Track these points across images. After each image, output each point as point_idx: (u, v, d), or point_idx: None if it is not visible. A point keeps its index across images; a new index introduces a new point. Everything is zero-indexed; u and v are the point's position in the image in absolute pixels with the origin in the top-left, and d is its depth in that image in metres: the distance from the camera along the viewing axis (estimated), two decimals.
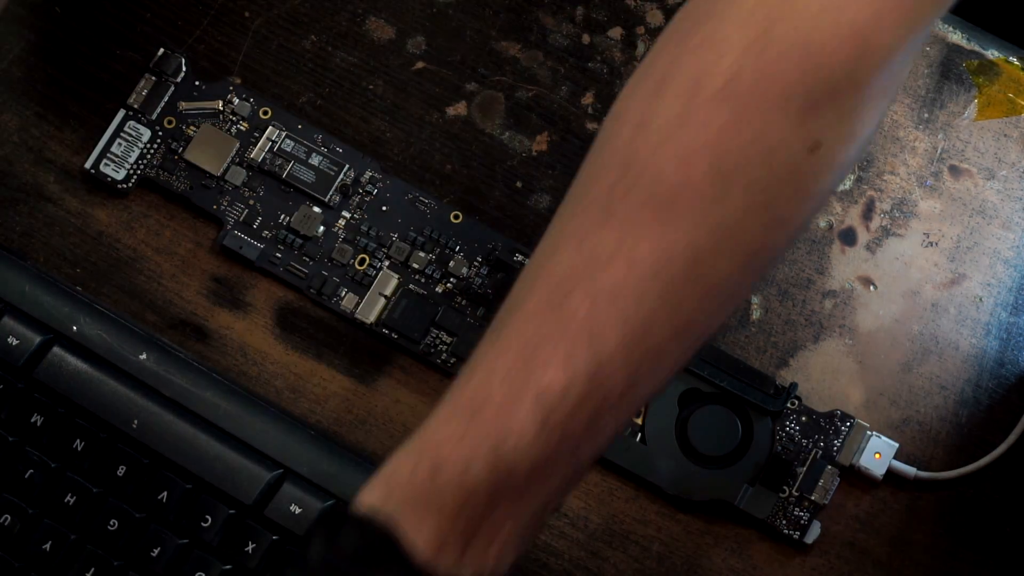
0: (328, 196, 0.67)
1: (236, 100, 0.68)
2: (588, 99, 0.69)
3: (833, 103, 0.46)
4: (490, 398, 0.46)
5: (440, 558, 0.46)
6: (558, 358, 0.46)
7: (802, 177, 0.46)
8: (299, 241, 0.67)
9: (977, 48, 0.69)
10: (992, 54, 0.69)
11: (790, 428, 0.64)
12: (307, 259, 0.67)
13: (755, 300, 0.66)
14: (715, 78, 0.46)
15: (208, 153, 0.68)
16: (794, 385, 0.64)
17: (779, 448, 0.64)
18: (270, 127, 0.68)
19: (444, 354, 0.66)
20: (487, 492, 0.46)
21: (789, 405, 0.64)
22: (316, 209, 0.67)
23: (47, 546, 0.61)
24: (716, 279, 0.46)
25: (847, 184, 0.68)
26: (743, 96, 0.46)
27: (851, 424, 0.64)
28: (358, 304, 0.66)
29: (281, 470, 0.62)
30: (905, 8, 0.46)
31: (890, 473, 0.64)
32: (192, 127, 0.68)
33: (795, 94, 0.45)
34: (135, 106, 0.68)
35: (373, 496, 0.47)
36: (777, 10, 0.46)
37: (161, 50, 0.69)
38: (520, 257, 0.66)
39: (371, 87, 0.69)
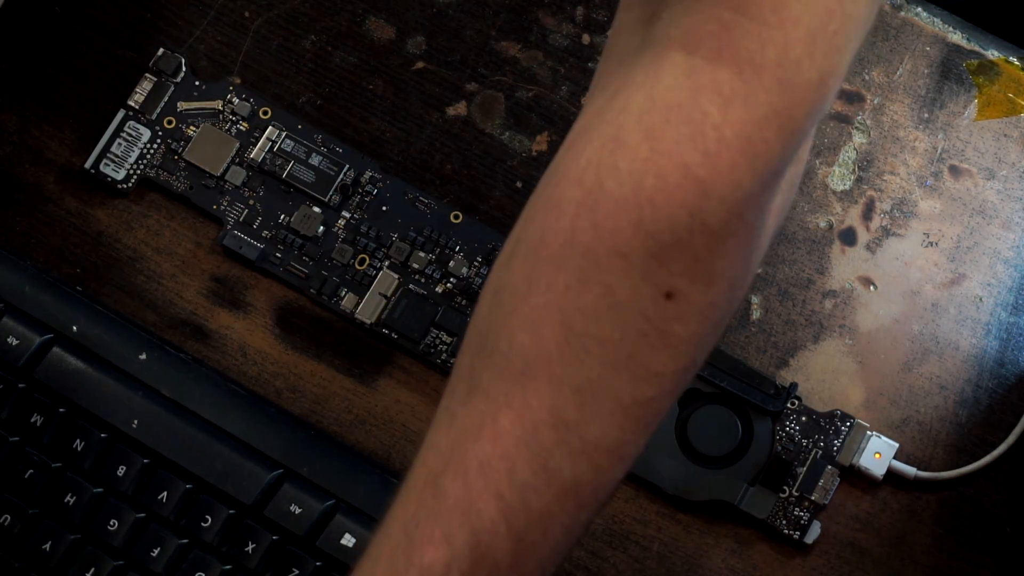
0: (328, 196, 0.67)
1: (236, 100, 0.68)
2: None
3: (680, 250, 0.45)
4: None
5: None
6: (436, 536, 0.46)
7: (662, 326, 0.45)
8: (299, 241, 0.67)
9: (977, 48, 0.69)
10: (992, 54, 0.69)
11: (790, 428, 0.64)
12: (307, 259, 0.67)
13: (755, 300, 0.66)
14: (554, 239, 0.45)
15: (208, 153, 0.68)
16: (794, 385, 0.64)
17: (779, 448, 0.64)
18: (270, 127, 0.68)
19: (444, 354, 0.66)
20: None
21: (789, 405, 0.64)
22: (316, 209, 0.67)
23: (47, 546, 0.61)
24: (591, 439, 0.46)
25: (847, 184, 0.68)
26: (582, 255, 0.45)
27: (851, 424, 0.64)
28: (358, 304, 0.66)
29: (281, 470, 0.62)
30: (740, 146, 0.44)
31: (890, 473, 0.64)
32: (192, 127, 0.68)
33: (633, 247, 0.45)
34: (135, 106, 0.68)
35: None
36: (607, 163, 0.45)
37: (161, 50, 0.69)
38: None
39: (371, 87, 0.69)
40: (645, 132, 0.45)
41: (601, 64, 0.51)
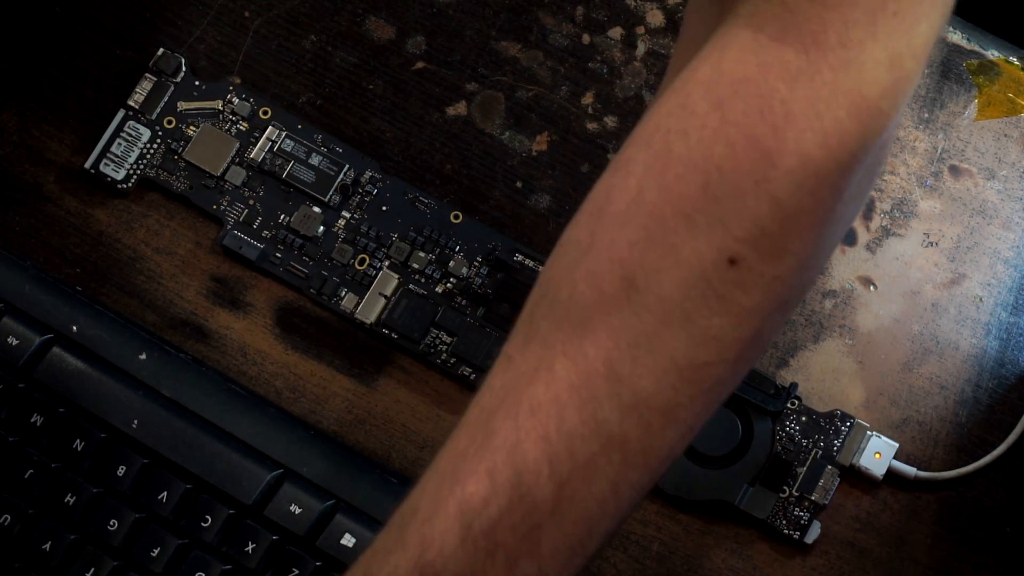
0: (328, 196, 0.67)
1: (236, 100, 0.68)
2: (588, 99, 0.69)
3: (745, 217, 0.45)
4: (417, 511, 0.47)
5: None
6: (480, 471, 0.46)
7: (723, 291, 0.46)
8: (299, 241, 0.67)
9: (977, 48, 0.69)
10: (992, 54, 0.69)
11: (790, 428, 0.64)
12: (307, 259, 0.67)
13: None
14: (620, 198, 0.46)
15: (208, 153, 0.68)
16: (794, 385, 0.64)
17: (779, 448, 0.64)
18: (270, 127, 0.68)
19: (444, 354, 0.66)
20: None
21: (789, 405, 0.64)
22: (316, 209, 0.67)
23: (47, 546, 0.61)
24: (641, 394, 0.46)
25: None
26: (647, 214, 0.46)
27: (851, 424, 0.64)
28: (358, 304, 0.66)
29: (281, 470, 0.62)
30: (809, 121, 0.45)
31: (890, 473, 0.64)
32: (192, 127, 0.68)
33: (699, 209, 0.45)
34: (135, 106, 0.68)
35: None
36: (676, 129, 0.46)
37: (161, 50, 0.69)
38: (520, 257, 0.66)
39: (371, 87, 0.69)
40: (714, 102, 0.46)
41: (675, 47, 0.52)
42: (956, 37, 0.69)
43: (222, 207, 0.67)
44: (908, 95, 0.47)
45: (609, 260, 0.46)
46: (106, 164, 0.68)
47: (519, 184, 0.68)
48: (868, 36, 0.45)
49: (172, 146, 0.68)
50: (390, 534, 0.48)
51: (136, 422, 0.62)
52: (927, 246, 0.67)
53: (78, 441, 0.62)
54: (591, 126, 0.69)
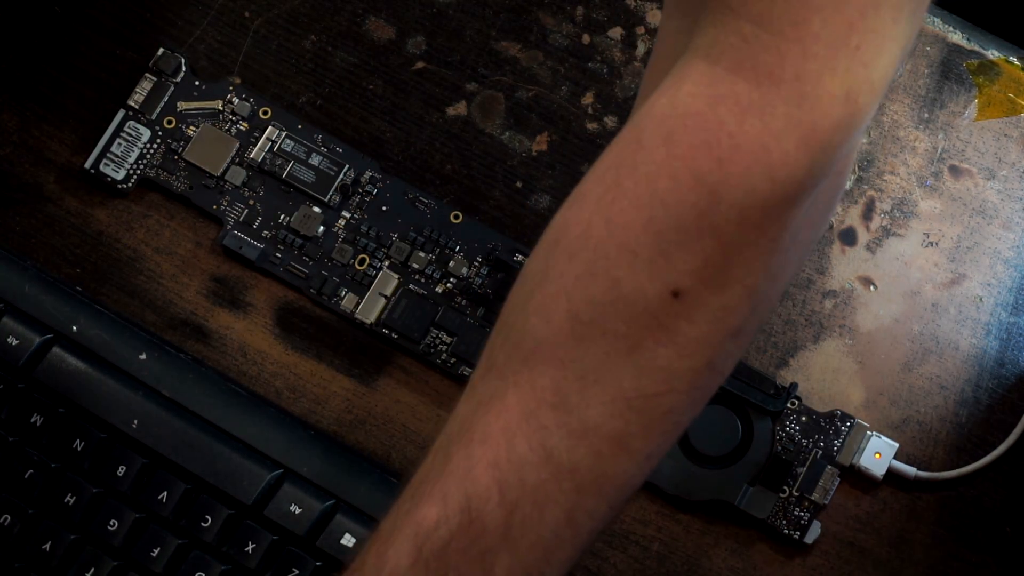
0: (328, 196, 0.67)
1: (236, 100, 0.68)
2: (588, 99, 0.69)
3: (687, 250, 0.46)
4: (380, 532, 0.49)
5: None
6: (435, 495, 0.48)
7: (667, 323, 0.47)
8: (299, 241, 0.67)
9: (977, 48, 0.69)
10: (992, 54, 0.69)
11: (790, 428, 0.64)
12: (307, 259, 0.67)
13: None
14: (571, 231, 0.47)
15: (208, 153, 0.68)
16: (794, 385, 0.64)
17: (779, 448, 0.64)
18: (270, 127, 0.68)
19: (444, 354, 0.66)
20: None
21: (789, 405, 0.64)
22: (316, 209, 0.67)
23: (47, 546, 0.61)
24: (589, 424, 0.47)
25: (848, 184, 0.68)
26: (593, 248, 0.47)
27: (851, 424, 0.64)
28: (358, 304, 0.66)
29: (281, 470, 0.62)
30: (755, 155, 0.45)
31: (890, 473, 0.64)
32: (192, 127, 0.68)
33: (642, 244, 0.46)
34: (135, 106, 0.68)
35: None
36: (627, 163, 0.47)
37: (161, 50, 0.69)
38: (520, 257, 0.66)
39: (371, 87, 0.69)
40: (664, 136, 0.46)
41: (644, 74, 0.53)
42: (956, 37, 0.69)
43: (222, 207, 0.67)
44: (862, 129, 0.47)
45: (557, 293, 0.47)
46: (106, 164, 0.68)
47: (519, 184, 0.68)
48: (827, 70, 0.45)
49: (172, 146, 0.68)
50: (359, 555, 0.50)
51: (136, 422, 0.62)
52: (927, 246, 0.67)
53: (78, 441, 0.62)
54: (591, 126, 0.69)
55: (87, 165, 0.68)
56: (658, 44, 0.52)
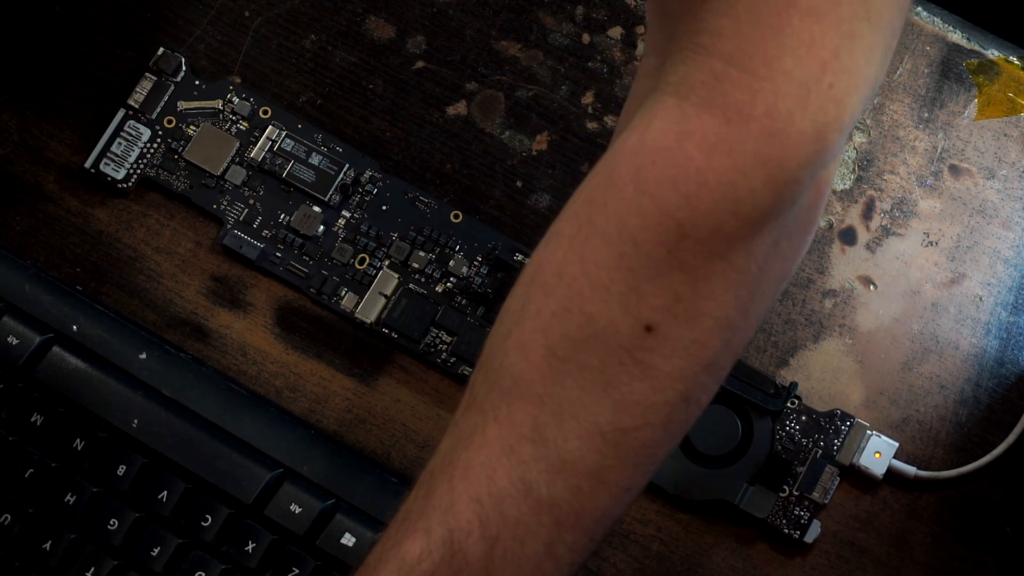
0: (328, 196, 0.67)
1: (236, 99, 0.68)
2: (588, 99, 0.69)
3: (658, 286, 0.47)
4: (366, 566, 0.50)
5: None
6: (419, 529, 0.49)
7: (641, 357, 0.47)
8: (299, 241, 0.67)
9: (977, 48, 0.69)
10: (992, 54, 0.69)
11: (790, 428, 0.64)
12: (307, 259, 0.67)
13: None
14: (547, 269, 0.48)
15: (208, 153, 0.68)
16: (794, 385, 0.64)
17: (779, 448, 0.64)
18: (270, 126, 0.68)
19: (444, 354, 0.66)
20: None
21: (789, 405, 0.64)
22: (316, 209, 0.67)
23: (47, 546, 0.61)
24: (567, 458, 0.48)
25: (847, 184, 0.68)
26: (567, 286, 0.47)
27: (851, 424, 0.64)
28: (358, 304, 0.66)
29: (281, 470, 0.62)
30: (723, 191, 0.46)
31: (890, 473, 0.64)
32: (192, 127, 0.68)
33: (614, 280, 0.47)
34: (135, 106, 0.68)
35: None
36: (599, 201, 0.47)
37: (161, 50, 0.69)
38: (520, 257, 0.66)
39: (371, 87, 0.69)
40: (633, 173, 0.47)
41: (622, 111, 0.54)
42: (956, 37, 0.69)
43: (222, 207, 0.67)
44: (828, 164, 0.47)
45: (534, 330, 0.48)
46: (106, 164, 0.68)
47: (519, 184, 0.68)
48: (798, 108, 0.45)
49: (172, 146, 0.68)
50: None
51: (136, 422, 0.62)
52: (927, 246, 0.67)
53: (78, 441, 0.62)
54: (591, 126, 0.69)
55: (87, 165, 0.68)
56: (636, 82, 0.53)
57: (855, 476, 0.64)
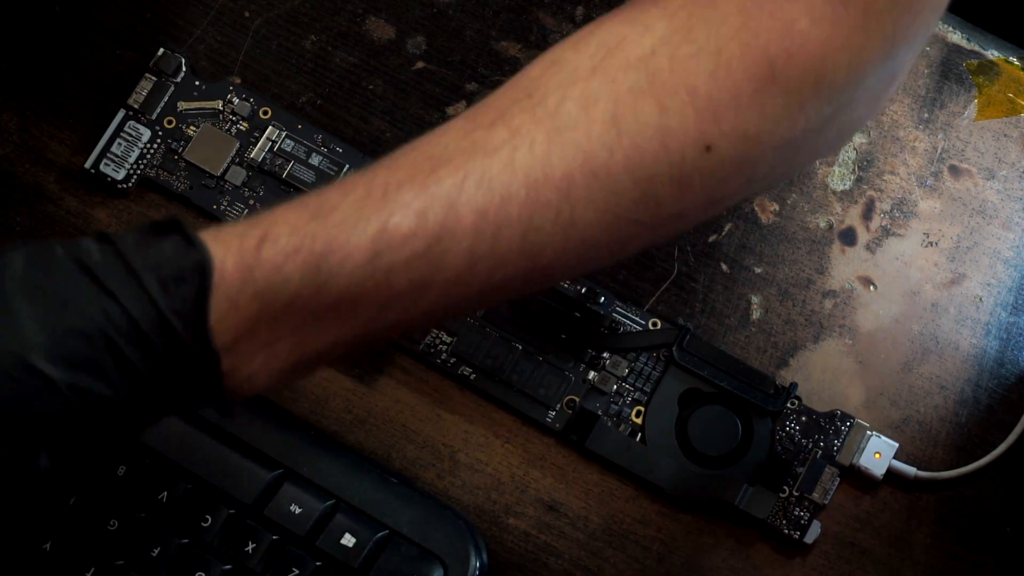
0: None
1: (236, 100, 0.68)
2: None
3: (732, 114, 0.49)
4: (337, 210, 0.48)
5: (217, 310, 0.47)
6: (414, 208, 0.48)
7: (688, 169, 0.49)
8: None
9: (977, 48, 0.69)
10: (992, 54, 0.69)
11: (790, 428, 0.64)
12: None
13: (755, 300, 0.66)
14: (631, 50, 0.49)
15: (208, 153, 0.68)
16: (794, 385, 0.64)
17: (779, 448, 0.64)
18: (270, 127, 0.68)
19: (444, 354, 0.66)
20: (291, 291, 0.47)
21: (789, 405, 0.64)
22: None
23: (47, 546, 0.61)
24: (577, 212, 0.49)
25: (847, 184, 0.68)
26: (653, 73, 0.49)
27: (851, 424, 0.64)
28: None
29: (281, 470, 0.62)
30: (810, 65, 0.49)
31: (890, 473, 0.64)
32: (192, 127, 0.68)
33: (698, 92, 0.49)
34: (135, 106, 0.68)
35: (205, 232, 0.48)
36: (700, 14, 0.49)
37: (161, 50, 0.69)
38: None
39: (371, 87, 0.69)
40: (739, 6, 0.49)
41: None
42: (956, 37, 0.69)
43: (222, 207, 0.67)
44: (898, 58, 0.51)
45: (604, 96, 0.49)
46: (106, 164, 0.68)
47: None
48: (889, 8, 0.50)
49: (172, 146, 0.68)
50: (299, 212, 0.48)
51: None
52: (927, 246, 0.67)
53: None
54: None
55: (87, 165, 0.68)
56: None
57: (855, 476, 0.64)
